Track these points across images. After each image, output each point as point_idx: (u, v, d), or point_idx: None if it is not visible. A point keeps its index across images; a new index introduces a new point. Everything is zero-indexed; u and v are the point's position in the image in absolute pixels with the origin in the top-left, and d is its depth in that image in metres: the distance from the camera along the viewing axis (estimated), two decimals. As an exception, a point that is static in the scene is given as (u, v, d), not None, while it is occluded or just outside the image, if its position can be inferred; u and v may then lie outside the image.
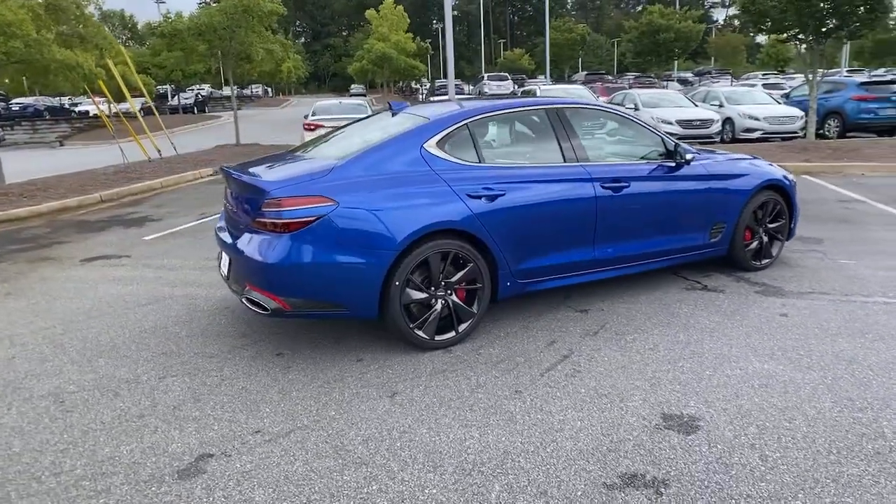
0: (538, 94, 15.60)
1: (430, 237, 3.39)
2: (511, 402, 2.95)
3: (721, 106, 16.19)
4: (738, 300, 4.26)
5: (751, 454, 2.48)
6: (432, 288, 3.48)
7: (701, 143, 12.49)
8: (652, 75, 35.63)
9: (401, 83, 50.53)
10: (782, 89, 24.10)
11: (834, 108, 15.93)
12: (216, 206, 8.56)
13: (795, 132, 15.24)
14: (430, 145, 3.60)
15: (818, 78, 13.53)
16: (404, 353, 3.53)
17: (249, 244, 3.35)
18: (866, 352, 3.38)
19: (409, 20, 37.19)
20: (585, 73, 35.55)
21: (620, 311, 4.13)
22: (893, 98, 15.02)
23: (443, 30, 11.35)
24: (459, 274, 3.53)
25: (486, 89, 32.35)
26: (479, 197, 3.55)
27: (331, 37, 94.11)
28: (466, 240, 3.52)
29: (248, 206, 3.45)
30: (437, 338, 3.53)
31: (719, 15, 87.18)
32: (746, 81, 30.58)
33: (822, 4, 11.45)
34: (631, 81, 31.51)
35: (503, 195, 3.62)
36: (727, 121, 15.60)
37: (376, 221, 3.30)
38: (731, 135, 15.52)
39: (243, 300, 3.45)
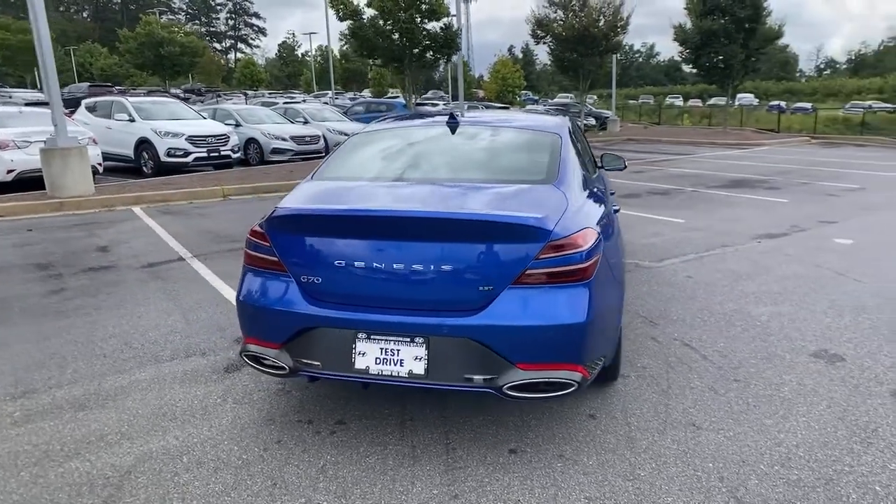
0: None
1: None
2: (789, 404, 3.26)
3: (238, 125, 15.04)
4: (647, 274, 5.43)
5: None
6: None
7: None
8: (160, 89, 33.43)
9: None
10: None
11: (388, 124, 19.22)
12: None
13: (320, 152, 15.37)
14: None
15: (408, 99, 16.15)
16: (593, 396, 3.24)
17: (524, 308, 2.43)
18: (786, 282, 5.05)
19: None
20: (88, 84, 30.30)
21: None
22: (426, 116, 19.34)
23: None
24: None
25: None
26: (616, 212, 3.54)
27: None
28: None
29: (493, 255, 2.47)
30: None
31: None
32: (256, 99, 32.38)
33: (405, 41, 13.86)
34: (144, 94, 28.82)
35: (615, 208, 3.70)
36: (251, 141, 14.87)
37: (616, 249, 2.96)
38: (258, 156, 14.88)
39: (504, 391, 2.45)
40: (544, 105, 34.91)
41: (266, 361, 2.72)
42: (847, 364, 3.56)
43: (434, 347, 2.47)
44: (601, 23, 21.93)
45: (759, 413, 3.01)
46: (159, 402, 3.18)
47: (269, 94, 39.09)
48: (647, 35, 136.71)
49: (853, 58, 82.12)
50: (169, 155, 12.66)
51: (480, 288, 2.46)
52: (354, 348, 2.54)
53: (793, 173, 12.86)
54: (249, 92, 45.08)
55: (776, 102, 43.51)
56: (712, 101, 48.28)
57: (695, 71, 24.54)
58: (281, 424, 2.95)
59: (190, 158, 12.82)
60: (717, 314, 4.40)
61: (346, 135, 17.01)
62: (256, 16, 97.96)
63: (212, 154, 13.20)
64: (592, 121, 30.26)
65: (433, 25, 14.08)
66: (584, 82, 23.34)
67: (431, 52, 14.40)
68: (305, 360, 2.63)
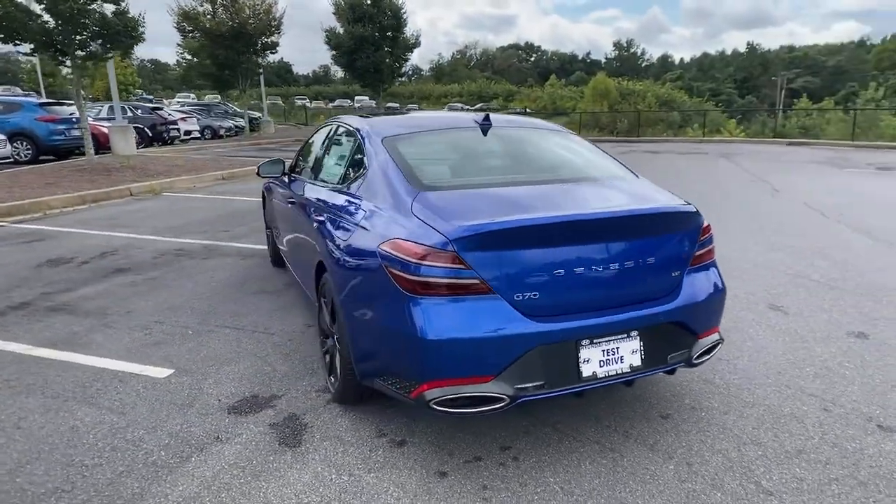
0: None
1: None
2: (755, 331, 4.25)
3: None
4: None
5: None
6: None
7: None
8: None
9: None
10: None
11: (20, 129, 14.97)
12: None
13: (8, 157, 13.75)
14: None
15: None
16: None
17: (700, 285, 2.78)
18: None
19: None
20: None
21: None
22: (73, 119, 15.64)
23: None
24: None
25: None
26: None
27: None
28: None
29: (677, 242, 2.73)
30: None
31: None
32: None
33: (61, 26, 10.97)
34: None
35: None
36: None
37: None
38: None
39: (693, 361, 2.74)
40: (185, 105, 31.89)
41: (466, 400, 2.36)
42: (792, 311, 4.82)
43: (645, 337, 2.59)
44: (253, 21, 21.40)
45: (751, 343, 3.97)
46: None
47: None
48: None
49: (434, 66, 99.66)
50: None
51: (673, 274, 2.69)
52: (579, 357, 2.45)
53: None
54: None
55: (394, 104, 49.66)
56: (337, 101, 51.96)
57: (348, 75, 26.10)
58: (456, 473, 2.55)
59: None
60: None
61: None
62: None
63: None
64: (242, 122, 28.97)
65: (108, 9, 11.44)
66: (243, 81, 22.44)
67: (100, 42, 11.74)
68: (526, 385, 2.39)
